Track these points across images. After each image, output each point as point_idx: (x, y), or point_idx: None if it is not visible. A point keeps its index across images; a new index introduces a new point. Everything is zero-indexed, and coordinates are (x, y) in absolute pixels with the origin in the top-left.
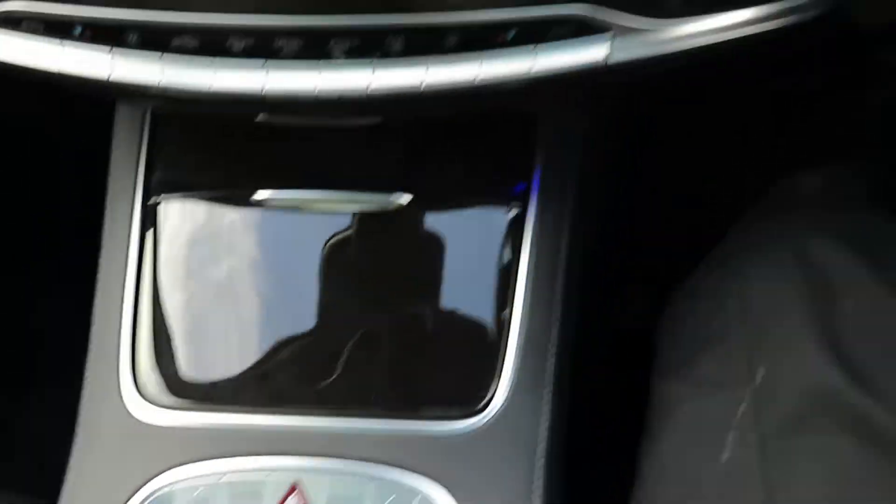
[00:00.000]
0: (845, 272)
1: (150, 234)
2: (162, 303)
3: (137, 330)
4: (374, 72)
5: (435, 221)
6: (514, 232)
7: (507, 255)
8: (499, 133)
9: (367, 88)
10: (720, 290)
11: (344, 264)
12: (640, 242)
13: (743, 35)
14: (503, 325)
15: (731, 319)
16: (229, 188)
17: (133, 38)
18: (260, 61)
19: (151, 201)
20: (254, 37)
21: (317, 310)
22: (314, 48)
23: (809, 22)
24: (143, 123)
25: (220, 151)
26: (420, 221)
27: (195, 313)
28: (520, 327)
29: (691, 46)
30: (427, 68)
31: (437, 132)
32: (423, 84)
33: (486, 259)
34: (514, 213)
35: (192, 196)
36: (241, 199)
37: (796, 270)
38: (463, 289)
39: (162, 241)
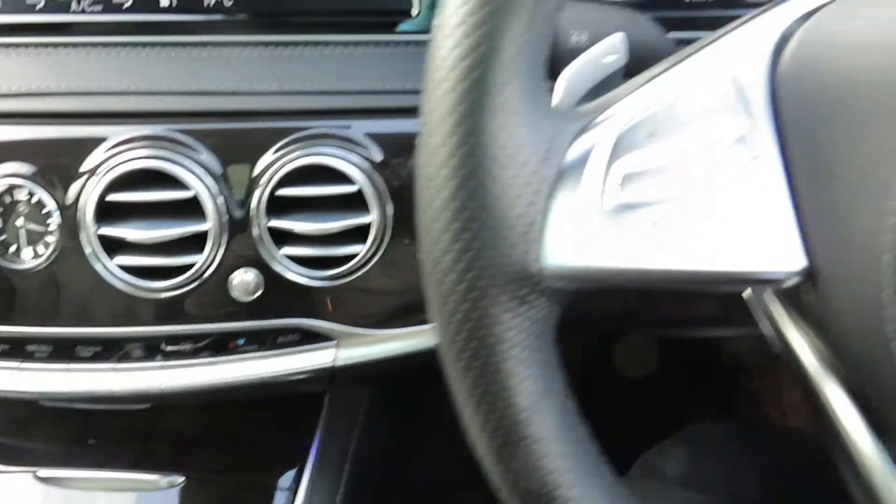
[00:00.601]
0: None
1: None
2: None
3: None
4: (116, 374)
5: (211, 495)
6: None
7: None
8: (281, 401)
9: (111, 389)
10: None
11: None
12: None
13: None
14: None
15: None
16: (15, 464)
17: None
18: (15, 362)
19: None
20: (8, 343)
21: None
22: (62, 352)
23: None
24: None
25: (17, 427)
26: (198, 497)
27: None
28: None
29: (414, 350)
30: (164, 372)
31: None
32: (163, 386)
33: None
34: (289, 474)
35: None
36: (26, 475)
37: None
38: None
39: None
